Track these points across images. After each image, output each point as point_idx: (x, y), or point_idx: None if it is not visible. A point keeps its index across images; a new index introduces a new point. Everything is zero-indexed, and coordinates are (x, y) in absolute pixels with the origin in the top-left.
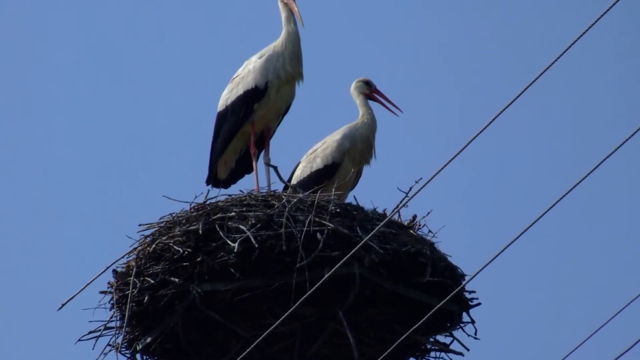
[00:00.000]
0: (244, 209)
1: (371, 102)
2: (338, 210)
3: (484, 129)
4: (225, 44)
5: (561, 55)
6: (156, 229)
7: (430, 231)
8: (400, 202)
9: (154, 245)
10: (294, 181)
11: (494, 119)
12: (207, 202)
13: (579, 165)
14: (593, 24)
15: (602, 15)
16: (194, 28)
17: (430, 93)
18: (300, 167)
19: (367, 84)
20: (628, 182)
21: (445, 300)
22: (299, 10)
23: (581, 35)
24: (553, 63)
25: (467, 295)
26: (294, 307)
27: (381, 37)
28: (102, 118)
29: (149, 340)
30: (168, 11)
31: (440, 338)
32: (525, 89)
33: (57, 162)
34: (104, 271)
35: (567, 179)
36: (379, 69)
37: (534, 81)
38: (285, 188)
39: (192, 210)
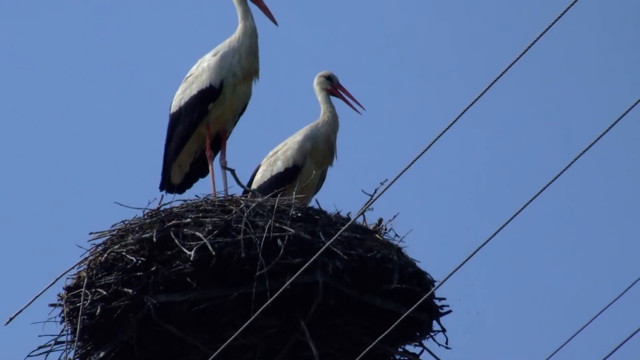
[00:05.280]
0: (200, 214)
1: (334, 99)
2: (299, 214)
3: (448, 127)
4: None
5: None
6: (108, 237)
7: (397, 235)
8: (365, 204)
9: (105, 255)
10: (254, 186)
11: (459, 116)
12: (161, 208)
13: (556, 163)
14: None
15: None
16: (131, 29)
17: (395, 89)
18: (260, 170)
19: (329, 78)
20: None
21: (413, 308)
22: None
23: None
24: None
25: (437, 303)
26: (253, 317)
27: (344, 29)
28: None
29: (102, 355)
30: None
31: (410, 348)
32: (492, 83)
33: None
34: (53, 283)
35: (542, 177)
36: (342, 63)
37: (502, 74)
38: (245, 193)
39: (146, 217)
